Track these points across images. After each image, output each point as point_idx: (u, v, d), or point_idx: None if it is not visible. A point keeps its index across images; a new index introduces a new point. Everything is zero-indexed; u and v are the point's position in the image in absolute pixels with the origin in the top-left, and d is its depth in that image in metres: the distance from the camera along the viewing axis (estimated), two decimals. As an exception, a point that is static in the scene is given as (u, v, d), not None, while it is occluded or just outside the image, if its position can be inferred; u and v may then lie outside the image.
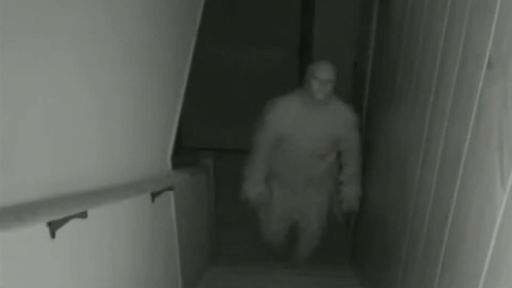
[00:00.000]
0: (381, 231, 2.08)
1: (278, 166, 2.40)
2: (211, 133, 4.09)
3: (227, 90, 4.14)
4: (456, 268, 1.03)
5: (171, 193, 1.82)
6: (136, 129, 1.48)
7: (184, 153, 2.68)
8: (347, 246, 3.07)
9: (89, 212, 1.03)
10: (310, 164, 2.33)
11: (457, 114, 1.10)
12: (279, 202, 2.52)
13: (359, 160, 2.40)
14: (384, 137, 2.12)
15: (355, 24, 3.70)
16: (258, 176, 2.38)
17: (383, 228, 2.04)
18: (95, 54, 1.13)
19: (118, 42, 1.27)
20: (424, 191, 1.36)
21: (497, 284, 0.80)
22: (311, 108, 2.17)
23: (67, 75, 1.00)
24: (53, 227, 0.91)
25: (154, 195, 1.59)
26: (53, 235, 0.91)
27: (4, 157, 0.78)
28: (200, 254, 2.58)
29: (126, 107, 1.37)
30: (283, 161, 2.36)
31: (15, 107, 0.83)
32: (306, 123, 2.19)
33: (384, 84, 2.22)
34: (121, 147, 1.37)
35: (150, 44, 1.53)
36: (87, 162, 1.13)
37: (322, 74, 2.09)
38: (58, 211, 0.91)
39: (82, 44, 1.05)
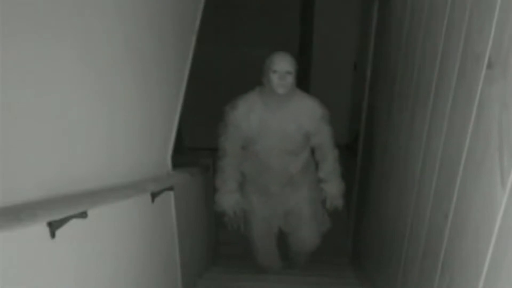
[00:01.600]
0: (381, 231, 2.08)
1: (250, 169, 2.27)
2: (211, 133, 4.09)
3: (227, 90, 4.13)
4: (456, 268, 1.03)
5: (171, 193, 1.82)
6: (136, 129, 1.48)
7: (184, 153, 2.69)
8: (347, 246, 3.07)
9: (89, 212, 1.03)
10: (282, 163, 2.19)
11: (457, 114, 1.10)
12: (258, 208, 2.35)
13: (335, 154, 2.25)
14: (385, 137, 2.12)
15: (355, 25, 3.71)
16: (230, 183, 2.21)
17: (383, 228, 2.04)
18: (96, 55, 1.13)
19: (118, 43, 1.27)
20: (424, 191, 1.36)
21: (497, 284, 0.80)
22: (273, 104, 2.05)
23: (67, 76, 1.00)
24: (53, 227, 0.91)
25: (154, 195, 1.59)
26: (53, 235, 0.91)
27: (4, 157, 0.78)
28: (200, 254, 2.58)
29: (126, 107, 1.37)
30: (253, 163, 2.23)
31: (15, 107, 0.83)
32: (271, 120, 2.07)
33: (384, 84, 2.22)
34: (121, 147, 1.37)
35: (150, 44, 1.53)
36: (87, 162, 1.13)
37: (281, 65, 1.96)
38: (58, 211, 0.91)
39: (82, 44, 1.05)
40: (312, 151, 2.27)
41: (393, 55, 2.02)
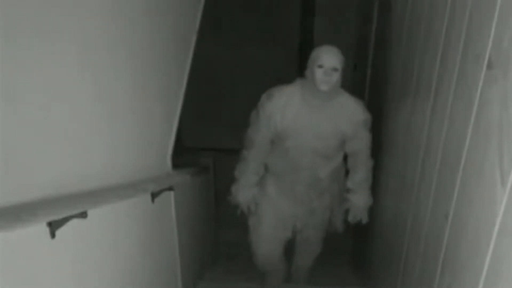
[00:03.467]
0: (381, 231, 2.08)
1: (276, 166, 2.13)
2: (211, 133, 4.09)
3: (227, 90, 4.14)
4: (456, 268, 1.03)
5: (171, 193, 1.82)
6: (136, 129, 1.48)
7: (184, 153, 2.69)
8: (347, 246, 3.07)
9: (89, 212, 1.03)
10: (312, 165, 2.04)
11: (457, 114, 1.10)
12: (274, 209, 2.20)
13: (370, 164, 2.08)
14: (385, 137, 2.12)
15: (355, 25, 3.71)
16: (251, 177, 2.11)
17: (383, 228, 2.04)
18: (95, 55, 1.13)
19: (118, 43, 1.27)
20: (424, 191, 1.36)
21: (498, 284, 0.80)
22: (314, 101, 1.88)
23: (67, 76, 1.00)
24: (53, 227, 0.91)
25: (154, 195, 1.59)
26: (53, 235, 0.91)
27: (4, 157, 0.78)
28: (200, 254, 2.58)
29: (126, 107, 1.37)
30: (281, 161, 2.08)
31: (15, 107, 0.83)
32: (308, 118, 1.91)
33: (384, 84, 2.22)
34: (121, 147, 1.37)
35: (150, 44, 1.53)
36: (87, 162, 1.13)
37: (327, 61, 1.79)
38: (58, 211, 0.91)
39: (82, 44, 1.05)
40: (345, 157, 2.11)
41: (393, 55, 2.02)
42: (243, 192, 2.12)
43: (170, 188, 1.77)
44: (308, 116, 1.91)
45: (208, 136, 4.06)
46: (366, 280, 2.40)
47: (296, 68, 3.98)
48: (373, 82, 2.65)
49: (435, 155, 1.26)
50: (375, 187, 2.16)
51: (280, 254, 2.36)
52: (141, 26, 1.44)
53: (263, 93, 1.99)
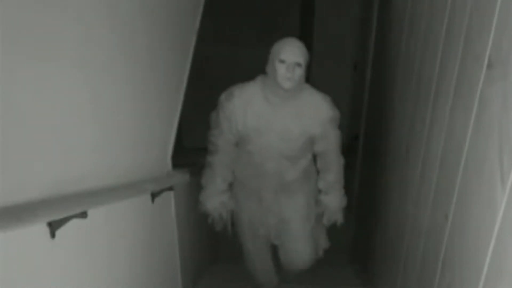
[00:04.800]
0: (381, 231, 2.08)
1: (241, 170, 1.99)
2: (211, 133, 4.09)
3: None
4: (456, 268, 1.03)
5: (171, 193, 1.82)
6: (136, 129, 1.48)
7: (184, 153, 2.68)
8: (347, 245, 3.07)
9: (89, 212, 1.03)
10: (279, 168, 1.89)
11: (457, 114, 1.10)
12: (246, 213, 2.07)
13: (340, 163, 1.96)
14: (385, 137, 2.12)
15: (355, 25, 3.71)
16: (219, 183, 1.95)
17: (383, 228, 2.04)
18: (95, 54, 1.13)
19: (118, 42, 1.27)
20: (424, 191, 1.36)
21: (498, 284, 0.80)
22: (276, 100, 1.74)
23: (67, 76, 1.00)
24: (53, 227, 0.91)
25: (154, 195, 1.59)
26: (53, 235, 0.91)
27: (4, 157, 0.78)
28: (200, 254, 2.58)
29: (126, 107, 1.37)
30: (246, 164, 1.94)
31: (15, 107, 0.83)
32: (272, 118, 1.76)
33: (384, 84, 2.22)
34: (121, 147, 1.37)
35: (150, 44, 1.53)
36: (87, 162, 1.13)
37: (290, 55, 1.65)
38: (58, 211, 0.91)
39: (81, 44, 1.05)
40: (314, 157, 2.00)
41: (393, 55, 2.02)
42: (211, 200, 1.97)
43: (170, 188, 1.77)
44: (271, 116, 1.77)
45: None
46: (366, 280, 2.40)
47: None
48: (373, 82, 2.65)
49: (435, 155, 1.26)
50: (376, 187, 2.16)
51: (269, 259, 2.24)
52: (141, 26, 1.44)
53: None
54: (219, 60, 4.02)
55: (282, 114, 1.77)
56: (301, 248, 2.07)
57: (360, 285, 2.50)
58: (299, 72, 1.67)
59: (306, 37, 4.00)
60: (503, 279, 0.77)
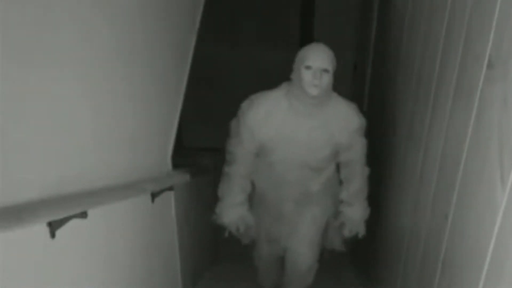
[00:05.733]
0: (381, 231, 2.08)
1: (261, 181, 1.91)
2: (211, 133, 4.09)
3: (227, 90, 4.14)
4: (456, 268, 1.03)
5: (171, 193, 1.82)
6: (136, 129, 1.48)
7: (184, 153, 2.68)
8: (347, 246, 3.07)
9: (89, 212, 1.03)
10: (301, 180, 1.82)
11: (457, 114, 1.10)
12: (265, 227, 2.01)
13: (365, 174, 1.88)
14: (385, 137, 2.12)
15: (355, 25, 3.71)
16: (237, 195, 1.85)
17: (383, 228, 2.04)
18: (95, 54, 1.13)
19: (117, 43, 1.27)
20: (424, 190, 1.36)
21: (498, 284, 0.80)
22: (302, 108, 1.66)
23: (67, 76, 1.00)
24: (53, 227, 0.91)
25: (154, 195, 1.59)
26: (53, 235, 0.91)
27: (4, 157, 0.78)
28: (200, 254, 2.58)
29: (126, 107, 1.37)
30: (266, 175, 1.86)
31: (15, 107, 0.83)
32: (297, 127, 1.69)
33: (384, 85, 2.22)
34: (121, 147, 1.37)
35: (150, 44, 1.53)
36: (87, 162, 1.13)
37: (316, 61, 1.57)
38: (58, 211, 0.91)
39: (81, 44, 1.05)
40: (337, 166, 1.90)
41: (393, 55, 2.02)
42: (228, 212, 1.87)
43: (170, 188, 1.77)
44: (296, 126, 1.69)
45: (208, 136, 4.06)
46: (366, 280, 2.40)
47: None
48: (373, 82, 2.65)
49: (435, 155, 1.26)
50: (376, 187, 2.16)
51: (278, 269, 2.20)
52: (141, 27, 1.44)
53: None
54: (219, 60, 4.02)
55: (308, 123, 1.69)
56: (305, 251, 2.00)
57: (360, 286, 2.50)
58: (327, 79, 1.60)
59: (306, 37, 4.00)
60: (503, 279, 0.77)
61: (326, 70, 1.58)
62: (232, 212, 1.87)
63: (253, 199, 1.97)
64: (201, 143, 3.86)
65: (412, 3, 1.73)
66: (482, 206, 0.89)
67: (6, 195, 0.79)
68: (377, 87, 2.50)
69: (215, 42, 3.76)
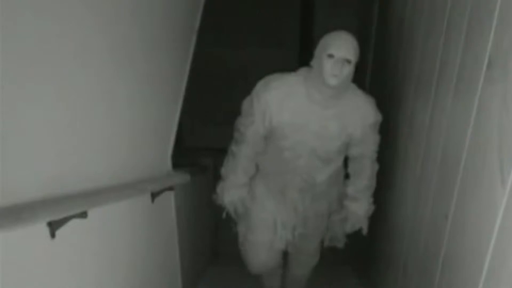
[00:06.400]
0: (381, 231, 2.08)
1: (266, 166, 1.86)
2: (211, 133, 4.09)
3: (227, 90, 4.14)
4: (456, 268, 1.03)
5: (171, 193, 1.82)
6: (136, 129, 1.48)
7: (184, 153, 2.68)
8: (347, 245, 3.06)
9: (89, 212, 1.03)
10: (308, 168, 1.77)
11: (457, 114, 1.10)
12: (263, 214, 1.91)
13: (374, 170, 1.82)
14: (385, 137, 2.12)
15: (355, 24, 3.71)
16: (240, 176, 1.83)
17: (383, 228, 2.04)
18: (95, 55, 1.13)
19: (118, 43, 1.27)
20: (424, 191, 1.36)
21: (498, 284, 0.80)
22: (319, 97, 1.60)
23: (67, 76, 1.00)
24: (53, 227, 0.91)
25: (154, 195, 1.59)
26: (53, 235, 0.91)
27: (4, 157, 0.78)
28: (200, 254, 2.58)
29: (126, 107, 1.37)
30: (274, 160, 1.80)
31: (15, 107, 0.82)
32: (311, 115, 1.63)
33: (384, 85, 2.22)
34: (121, 147, 1.37)
35: (150, 44, 1.53)
36: (87, 162, 1.13)
37: (339, 50, 1.50)
38: (58, 211, 0.91)
39: (81, 44, 1.05)
40: (345, 160, 1.85)
41: (394, 55, 2.02)
42: (230, 192, 1.85)
43: (170, 188, 1.77)
44: (310, 113, 1.64)
45: (208, 136, 4.06)
46: (366, 280, 2.40)
47: (296, 68, 3.99)
48: (373, 82, 2.65)
49: (435, 155, 1.26)
50: (376, 187, 2.16)
51: (277, 263, 2.09)
52: (141, 26, 1.44)
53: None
54: (219, 60, 4.02)
55: (323, 113, 1.64)
56: (313, 249, 2.05)
57: (360, 285, 2.50)
58: (348, 69, 1.52)
59: (306, 37, 4.00)
60: (503, 279, 0.77)
61: (348, 61, 1.52)
62: (233, 192, 1.85)
63: (253, 183, 1.92)
64: (201, 143, 3.86)
65: (412, 3, 1.73)
66: (482, 206, 0.89)
67: (6, 195, 0.79)
68: (377, 87, 2.50)
69: (215, 42, 3.76)
